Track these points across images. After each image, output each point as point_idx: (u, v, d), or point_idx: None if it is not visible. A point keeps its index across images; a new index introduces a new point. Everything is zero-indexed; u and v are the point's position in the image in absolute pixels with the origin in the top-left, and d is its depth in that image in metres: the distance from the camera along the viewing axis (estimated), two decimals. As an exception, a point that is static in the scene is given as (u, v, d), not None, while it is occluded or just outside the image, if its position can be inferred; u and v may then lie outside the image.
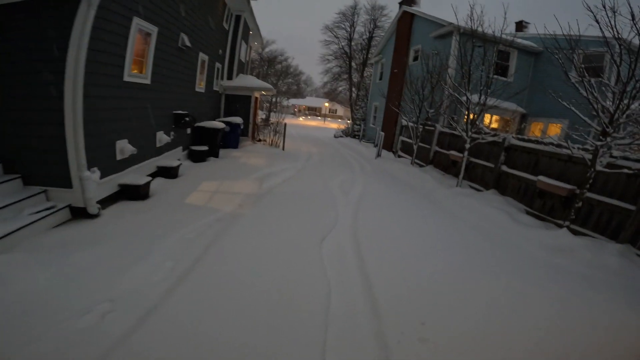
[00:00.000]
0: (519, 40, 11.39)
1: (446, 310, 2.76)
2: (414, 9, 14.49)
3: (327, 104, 54.63)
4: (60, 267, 2.85)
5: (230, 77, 11.57)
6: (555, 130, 11.03)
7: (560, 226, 4.96)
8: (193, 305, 2.57)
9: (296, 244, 3.87)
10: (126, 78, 4.91)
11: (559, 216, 5.24)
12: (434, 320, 2.62)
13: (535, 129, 11.74)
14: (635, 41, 4.23)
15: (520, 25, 15.56)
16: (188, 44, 6.94)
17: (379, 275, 3.27)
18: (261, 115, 21.31)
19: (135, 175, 5.19)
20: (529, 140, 6.10)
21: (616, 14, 4.24)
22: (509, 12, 7.15)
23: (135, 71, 5.35)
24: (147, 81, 5.60)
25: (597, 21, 4.32)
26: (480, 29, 7.44)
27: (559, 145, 5.25)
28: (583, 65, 5.02)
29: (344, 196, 6.25)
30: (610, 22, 4.25)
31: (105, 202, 4.58)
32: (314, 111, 57.39)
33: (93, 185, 4.18)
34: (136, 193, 5.00)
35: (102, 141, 4.52)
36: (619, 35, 4.28)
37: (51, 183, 4.08)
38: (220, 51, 10.58)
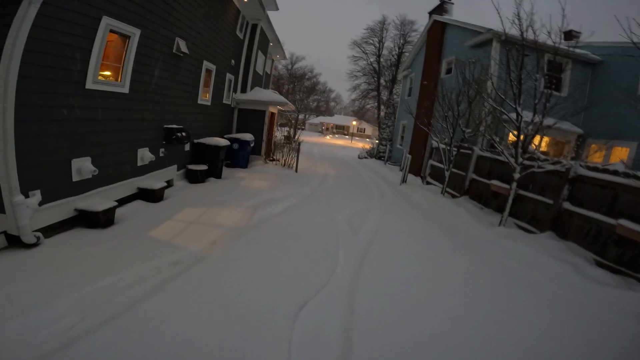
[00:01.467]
0: (575, 50, 9.90)
1: None
2: (446, 18, 13.27)
3: (355, 123, 53.75)
4: None
5: (244, 90, 10.83)
6: (621, 154, 9.12)
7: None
8: None
9: (260, 312, 2.67)
10: (90, 85, 4.09)
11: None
12: None
13: (595, 154, 9.84)
14: None
15: (570, 35, 13.75)
16: (185, 50, 6.18)
17: None
18: (283, 132, 20.58)
19: (98, 199, 4.31)
20: (605, 171, 4.57)
21: None
22: (554, 20, 5.71)
23: (109, 78, 4.58)
24: (124, 90, 4.79)
25: None
26: (530, 34, 5.82)
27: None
28: None
29: (352, 235, 4.99)
30: None
31: (56, 229, 3.82)
32: (342, 129, 56.69)
33: (27, 211, 3.37)
34: (95, 220, 4.11)
35: (49, 159, 3.70)
36: None
37: (-19, 207, 3.28)
38: (233, 62, 9.88)
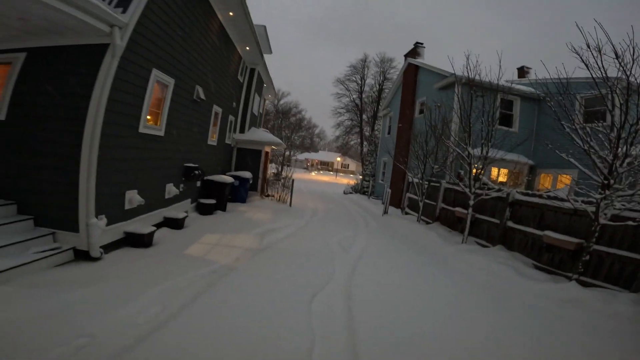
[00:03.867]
0: (519, 87, 11.38)
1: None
2: (418, 61, 14.69)
3: (339, 159, 56.04)
4: (46, 302, 2.96)
5: (242, 130, 12.10)
6: (566, 181, 10.82)
7: (570, 279, 4.72)
8: (170, 350, 2.57)
9: (285, 298, 3.77)
10: (142, 129, 5.27)
11: (568, 269, 5.04)
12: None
13: (545, 181, 11.55)
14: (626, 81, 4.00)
15: (522, 71, 15.28)
16: (203, 96, 7.47)
17: (365, 331, 3.17)
18: (272, 169, 21.95)
19: (141, 224, 5.35)
20: (534, 195, 6.05)
21: (602, 54, 4.06)
22: (509, 59, 7.11)
23: (151, 123, 5.64)
24: (161, 133, 5.97)
25: (583, 62, 4.22)
26: (477, 78, 7.41)
27: (562, 199, 5.19)
28: (581, 111, 4.85)
29: (343, 253, 6.16)
30: (597, 62, 4.12)
31: (109, 247, 4.73)
32: (326, 166, 58.76)
33: (98, 231, 4.35)
34: (140, 241, 5.12)
35: (112, 190, 4.77)
36: (606, 75, 4.11)
37: (59, 226, 4.28)
38: (234, 104, 11.16)
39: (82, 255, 4.33)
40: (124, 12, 4.39)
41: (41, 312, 2.79)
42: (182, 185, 7.25)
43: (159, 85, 5.72)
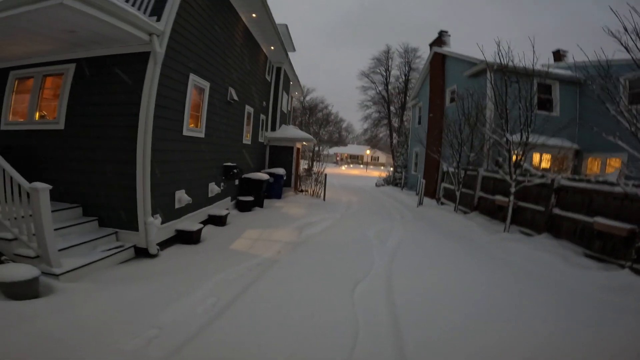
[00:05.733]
0: (556, 71, 10.91)
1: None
2: (444, 50, 14.36)
3: (368, 152, 55.52)
4: (117, 297, 3.30)
5: (273, 128, 12.44)
6: (615, 165, 10.11)
7: (623, 267, 4.48)
8: (229, 335, 2.78)
9: (328, 288, 3.92)
10: (185, 132, 5.66)
11: (621, 256, 4.76)
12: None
13: (593, 166, 10.85)
14: None
15: (558, 55, 14.60)
16: (235, 97, 7.80)
17: (408, 320, 3.21)
18: (303, 164, 22.25)
19: (189, 222, 5.74)
20: (581, 180, 5.75)
21: None
22: (542, 44, 6.94)
23: (192, 125, 6.04)
24: (202, 135, 6.36)
25: (622, 45, 4.19)
26: (511, 64, 7.25)
27: (611, 184, 4.90)
28: (625, 93, 4.75)
29: (381, 245, 6.21)
30: (636, 45, 4.11)
31: (163, 245, 5.12)
32: (356, 159, 58.46)
33: (154, 229, 4.75)
34: (189, 238, 5.50)
35: (164, 191, 5.17)
36: None
37: (121, 226, 4.73)
38: (264, 103, 11.56)
39: (141, 253, 4.75)
40: (158, 20, 4.69)
41: (114, 307, 3.09)
42: (222, 184, 7.62)
43: (196, 90, 6.08)
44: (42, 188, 3.29)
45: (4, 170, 3.47)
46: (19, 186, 3.43)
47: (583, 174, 10.32)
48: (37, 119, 5.19)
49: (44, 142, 4.99)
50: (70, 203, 4.71)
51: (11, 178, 3.44)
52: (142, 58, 4.60)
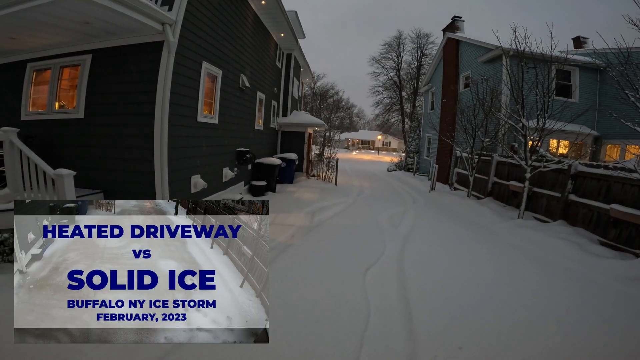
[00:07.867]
0: (576, 57, 10.74)
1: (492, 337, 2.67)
2: (458, 35, 14.25)
3: (380, 137, 54.96)
4: None
5: (285, 114, 12.51)
6: (635, 152, 9.81)
7: (638, 256, 4.44)
8: None
9: (340, 271, 4.02)
10: (199, 119, 5.76)
11: (637, 246, 4.69)
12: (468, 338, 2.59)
13: (612, 152, 10.57)
14: None
15: (579, 41, 14.34)
16: (247, 84, 7.85)
17: (419, 304, 3.28)
18: (315, 150, 22.27)
19: (204, 207, 5.89)
20: (598, 166, 5.62)
21: None
22: (561, 30, 6.82)
23: (206, 112, 6.14)
24: (215, 121, 6.46)
25: None
26: (528, 50, 7.12)
27: (629, 170, 4.79)
28: None
29: (393, 229, 6.26)
30: None
31: None
32: (367, 144, 58.00)
33: (171, 215, 4.90)
34: (204, 223, 5.66)
35: (180, 176, 5.32)
36: None
37: (139, 212, 4.89)
38: (275, 89, 11.59)
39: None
40: (170, 9, 4.72)
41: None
42: (235, 169, 7.75)
43: (209, 77, 6.15)
44: (67, 174, 3.43)
45: (28, 158, 3.62)
46: (44, 173, 3.57)
47: (602, 160, 10.10)
48: (56, 108, 5.34)
49: (64, 131, 5.15)
50: (92, 189, 4.89)
51: (36, 166, 3.59)
52: (156, 47, 4.66)
